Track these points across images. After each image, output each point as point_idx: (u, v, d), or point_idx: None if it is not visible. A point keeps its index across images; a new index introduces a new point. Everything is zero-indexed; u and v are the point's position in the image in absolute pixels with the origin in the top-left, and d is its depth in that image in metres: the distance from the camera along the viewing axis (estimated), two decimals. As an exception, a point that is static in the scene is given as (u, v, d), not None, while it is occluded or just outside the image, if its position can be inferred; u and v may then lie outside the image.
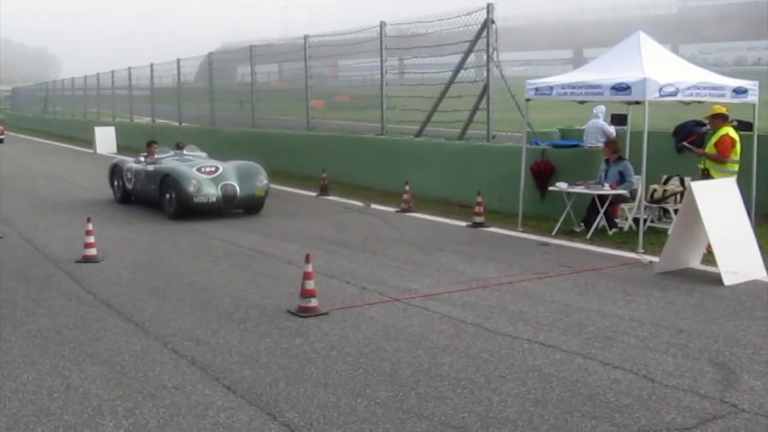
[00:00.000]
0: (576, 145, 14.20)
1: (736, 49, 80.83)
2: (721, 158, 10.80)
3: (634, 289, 8.56)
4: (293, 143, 21.20)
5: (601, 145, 13.78)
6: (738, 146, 10.87)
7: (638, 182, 11.57)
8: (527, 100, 12.64)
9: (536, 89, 12.35)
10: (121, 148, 30.93)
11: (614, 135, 14.85)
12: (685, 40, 78.52)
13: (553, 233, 11.81)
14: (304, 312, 7.67)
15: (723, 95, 11.43)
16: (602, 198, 11.62)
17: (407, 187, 14.72)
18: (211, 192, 13.71)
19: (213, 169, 14.26)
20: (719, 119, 11.08)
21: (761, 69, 70.60)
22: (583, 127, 16.61)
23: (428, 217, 13.84)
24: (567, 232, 11.88)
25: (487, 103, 15.67)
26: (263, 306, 8.07)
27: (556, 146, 14.02)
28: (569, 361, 6.31)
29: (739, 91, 11.58)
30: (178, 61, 30.30)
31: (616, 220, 12.01)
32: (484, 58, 15.87)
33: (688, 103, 11.90)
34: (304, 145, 20.73)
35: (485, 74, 15.83)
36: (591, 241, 11.28)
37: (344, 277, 9.28)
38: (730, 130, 10.94)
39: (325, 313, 7.66)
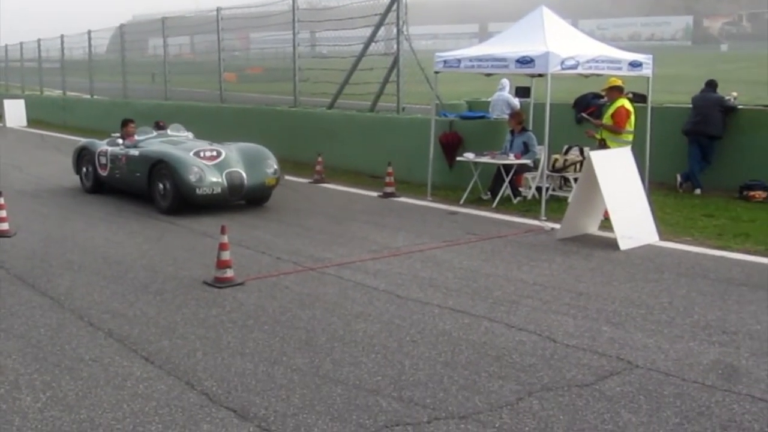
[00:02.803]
0: (482, 117, 14.36)
1: (631, 25, 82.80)
2: (617, 129, 11.08)
3: (537, 255, 8.77)
4: (207, 115, 20.86)
5: (506, 116, 13.97)
6: (633, 117, 11.16)
7: (541, 152, 11.80)
8: (436, 72, 12.72)
9: (445, 62, 12.44)
10: (32, 121, 30.03)
11: (519, 107, 15.06)
12: (583, 16, 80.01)
13: (461, 202, 11.97)
14: (220, 283, 7.62)
15: (620, 68, 11.71)
16: (507, 168, 11.83)
17: (320, 159, 14.69)
18: (215, 181, 11.30)
19: (214, 153, 11.76)
20: (615, 91, 11.35)
21: (654, 44, 72.60)
22: (489, 100, 16.81)
23: (340, 188, 13.86)
24: (474, 201, 12.06)
25: (397, 75, 15.69)
26: (179, 277, 7.99)
27: (463, 118, 14.15)
28: (477, 324, 6.44)
29: (635, 65, 11.88)
30: (89, 33, 29.44)
31: (520, 189, 12.23)
32: (394, 31, 15.89)
33: (587, 76, 12.16)
34: (219, 118, 20.43)
35: (395, 47, 15.85)
36: (497, 210, 11.47)
37: (259, 247, 9.24)
38: (625, 102, 11.22)
39: (240, 284, 7.63)
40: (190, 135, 13.38)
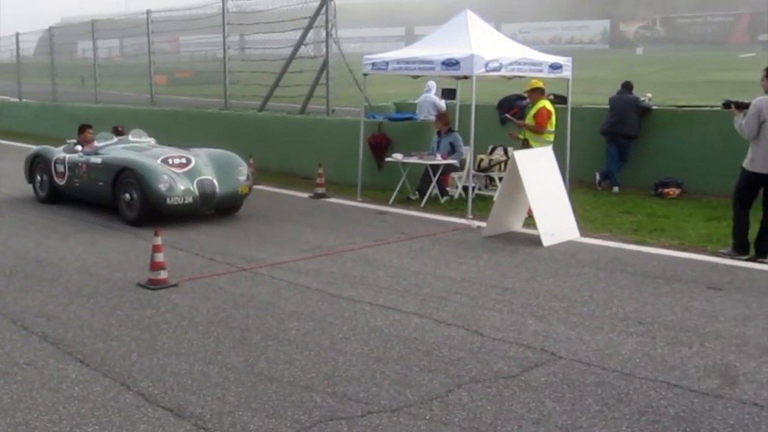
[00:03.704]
0: (410, 119, 14.47)
1: (552, 29, 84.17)
2: (538, 129, 11.29)
3: (465, 252, 8.89)
4: (138, 118, 20.43)
5: (433, 118, 14.08)
6: (554, 118, 11.39)
7: (467, 152, 11.96)
8: (365, 74, 12.78)
9: (373, 64, 12.51)
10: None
11: (445, 108, 15.20)
12: (506, 19, 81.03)
13: (390, 202, 12.06)
14: (154, 284, 7.55)
15: (541, 70, 11.94)
16: (434, 168, 11.95)
17: (251, 161, 14.59)
18: (186, 190, 10.45)
19: (183, 160, 10.88)
20: (537, 93, 11.57)
21: (573, 47, 73.88)
22: (416, 101, 16.94)
23: (272, 189, 13.80)
24: (403, 201, 12.16)
25: (326, 78, 15.71)
26: (113, 280, 7.89)
27: (391, 119, 14.25)
28: (407, 320, 6.52)
29: (555, 67, 12.13)
30: (17, 35, 28.74)
31: (448, 189, 12.37)
32: (323, 34, 15.91)
33: (510, 78, 12.38)
34: (150, 120, 20.03)
35: (324, 50, 15.87)
36: (425, 209, 11.59)
37: (192, 249, 9.18)
38: (546, 103, 11.45)
39: (174, 285, 7.58)
40: (152, 141, 12.45)
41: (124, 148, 11.64)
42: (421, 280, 7.74)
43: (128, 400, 5.03)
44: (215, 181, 10.76)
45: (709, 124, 12.39)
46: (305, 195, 13.02)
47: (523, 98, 13.23)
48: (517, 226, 9.97)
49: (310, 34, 16.60)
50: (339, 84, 15.74)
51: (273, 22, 17.54)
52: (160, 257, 7.61)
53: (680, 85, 35.72)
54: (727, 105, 9.01)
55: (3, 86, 31.26)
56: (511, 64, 11.45)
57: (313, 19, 16.16)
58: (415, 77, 12.89)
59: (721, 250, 8.62)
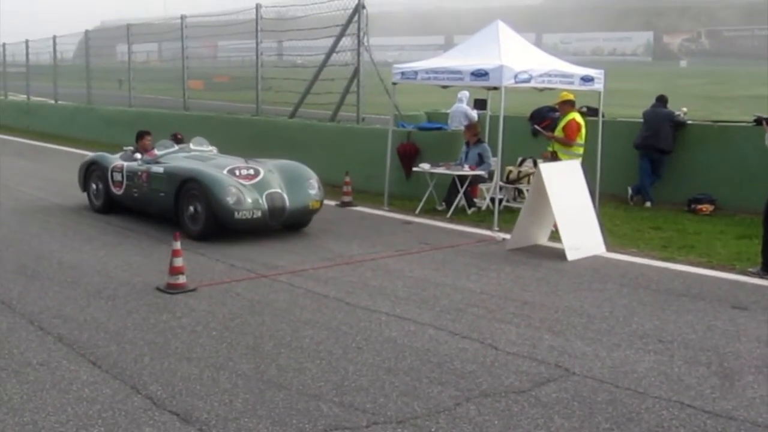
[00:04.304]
0: (440, 128, 14.49)
1: (594, 40, 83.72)
2: (567, 141, 11.26)
3: (487, 265, 8.88)
4: (170, 122, 20.73)
5: (463, 128, 14.09)
6: (583, 131, 11.35)
7: (495, 164, 11.95)
8: (394, 83, 12.84)
9: (402, 73, 12.57)
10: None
11: (476, 119, 15.20)
12: (547, 30, 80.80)
13: (417, 212, 12.08)
14: (172, 289, 7.64)
15: (572, 83, 11.89)
16: (462, 178, 11.95)
17: (347, 178, 14.59)
18: (255, 204, 9.94)
19: (251, 172, 10.38)
20: (567, 105, 11.54)
21: (615, 59, 73.44)
22: (448, 111, 16.97)
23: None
24: (429, 211, 12.17)
25: (357, 86, 15.80)
26: (133, 283, 8.00)
27: (421, 129, 14.29)
28: (422, 332, 6.52)
29: (587, 79, 12.07)
30: (54, 38, 29.26)
31: (475, 200, 12.36)
32: (356, 42, 16.01)
33: (541, 90, 12.35)
34: (181, 125, 20.25)
35: (356, 58, 15.97)
36: (451, 220, 11.59)
37: (214, 255, 9.26)
38: (576, 116, 11.41)
39: (193, 290, 7.66)
40: (214, 150, 11.91)
41: (186, 158, 11.13)
42: (439, 292, 7.74)
43: (136, 403, 5.10)
44: (285, 195, 10.22)
45: (744, 140, 12.23)
46: (332, 203, 13.04)
47: (556, 110, 13.17)
48: (543, 240, 9.94)
49: (343, 42, 16.72)
50: (370, 92, 15.81)
51: (307, 29, 17.70)
52: (179, 262, 7.70)
53: (723, 99, 35.33)
54: (759, 122, 8.94)
55: (41, 88, 31.80)
56: (541, 75, 11.43)
57: (345, 26, 16.26)
58: (445, 87, 12.92)
59: (750, 269, 8.52)
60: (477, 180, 12.23)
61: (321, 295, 7.59)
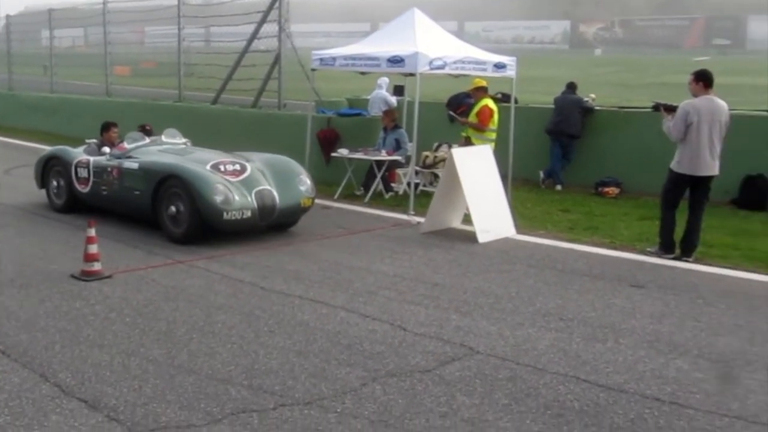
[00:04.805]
0: (359, 114, 14.49)
1: (514, 28, 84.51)
2: (480, 127, 11.37)
3: (401, 248, 8.94)
4: (92, 109, 20.32)
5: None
6: (496, 116, 11.47)
7: (413, 149, 12.00)
8: (313, 69, 12.77)
9: (321, 60, 12.49)
10: None
11: (395, 105, 15.24)
12: (469, 18, 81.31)
13: (335, 197, 12.07)
14: (87, 276, 7.49)
15: (485, 69, 11.98)
16: (379, 164, 11.98)
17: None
18: (244, 203, 8.96)
19: (237, 167, 9.41)
20: (480, 91, 11.65)
21: (534, 47, 74.38)
22: (368, 97, 16.96)
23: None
24: (348, 196, 12.18)
25: (279, 72, 15.69)
26: (48, 271, 7.81)
27: (341, 115, 14.27)
28: (334, 314, 6.54)
29: (499, 66, 12.18)
30: (-27, 23, 28.34)
31: (393, 185, 12.40)
32: (277, 28, 15.87)
33: (456, 76, 12.42)
34: (102, 111, 19.86)
35: (278, 44, 15.84)
36: (369, 204, 11.63)
37: (132, 242, 9.10)
38: (489, 102, 11.53)
39: (108, 277, 7.53)
40: (188, 142, 10.96)
41: (161, 151, 10.11)
42: (353, 275, 7.77)
43: (44, 391, 5.00)
44: (275, 192, 9.30)
45: (648, 125, 12.49)
46: (253, 188, 12.94)
47: (471, 97, 13.29)
48: (456, 223, 10.03)
49: (266, 28, 16.56)
50: (292, 79, 15.69)
51: (230, 15, 17.47)
52: (93, 249, 7.55)
53: (635, 86, 36.11)
54: (656, 108, 9.14)
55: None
56: (455, 62, 11.49)
57: (267, 13, 16.12)
58: (363, 74, 12.90)
59: (648, 249, 8.75)
60: (394, 165, 12.27)
61: (236, 280, 7.54)
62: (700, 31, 77.24)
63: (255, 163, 9.74)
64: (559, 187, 12.99)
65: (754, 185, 11.40)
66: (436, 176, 12.42)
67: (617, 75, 43.41)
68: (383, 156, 11.98)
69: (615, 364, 5.49)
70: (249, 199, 9.02)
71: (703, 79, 8.43)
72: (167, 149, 10.23)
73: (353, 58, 12.07)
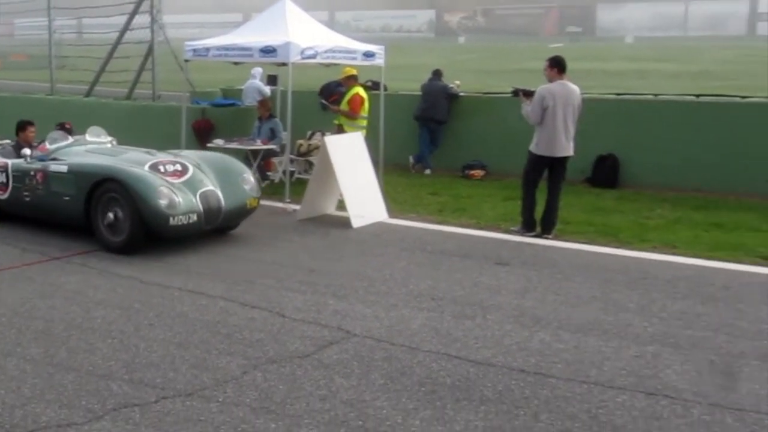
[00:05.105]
0: (233, 104, 14.27)
1: (383, 17, 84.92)
2: (352, 114, 11.40)
3: (279, 235, 8.88)
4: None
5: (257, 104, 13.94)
6: (367, 104, 11.52)
7: (287, 137, 11.91)
8: (186, 60, 12.48)
9: (194, 51, 12.20)
10: None
11: (269, 94, 15.07)
12: (340, 8, 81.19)
13: (212, 186, 11.83)
14: (-42, 276, 7.11)
15: (355, 58, 11.99)
16: (255, 153, 11.84)
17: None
18: (189, 206, 8.07)
19: (178, 167, 8.49)
20: (351, 80, 11.67)
21: (402, 35, 74.99)
22: (242, 87, 16.71)
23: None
24: (225, 185, 11.95)
25: (152, 64, 15.29)
26: None
27: (215, 105, 14.04)
28: (213, 304, 6.44)
29: (368, 55, 12.19)
30: None
31: (269, 174, 12.28)
32: (149, 20, 15.46)
33: (328, 65, 12.39)
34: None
35: (150, 36, 15.42)
36: (246, 193, 11.45)
37: (5, 239, 8.68)
38: (360, 90, 11.56)
39: (-20, 277, 7.17)
40: (114, 141, 9.89)
41: (89, 152, 9.04)
42: (232, 264, 7.67)
43: None
44: (219, 193, 8.44)
45: (509, 109, 12.74)
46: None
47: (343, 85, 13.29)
48: (331, 209, 10.04)
49: (138, 19, 16.10)
50: (166, 70, 15.34)
51: (102, 6, 16.90)
52: (-36, 249, 7.18)
53: (497, 72, 36.90)
54: (515, 93, 9.36)
55: None
56: (326, 51, 11.45)
57: (138, 4, 15.68)
58: (236, 64, 12.70)
59: (512, 228, 9.01)
60: (270, 154, 12.15)
61: (115, 275, 7.31)
62: (554, 20, 79.64)
63: (195, 162, 8.78)
64: (428, 172, 13.18)
65: (606, 164, 11.89)
66: (310, 164, 12.36)
67: (480, 62, 44.23)
68: (258, 145, 11.85)
69: (483, 339, 5.63)
70: (194, 201, 8.13)
71: (557, 65, 8.71)
72: (94, 149, 9.16)
73: (226, 48, 11.85)
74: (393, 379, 4.96)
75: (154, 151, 9.18)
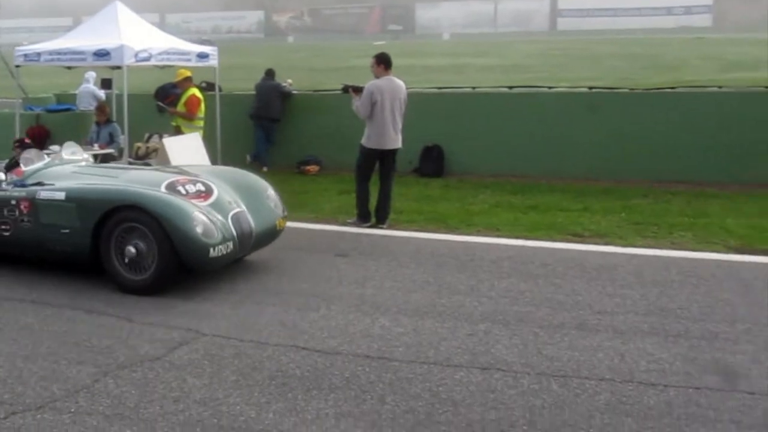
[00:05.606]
0: (68, 109, 13.54)
1: (212, 19, 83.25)
2: (189, 116, 11.11)
3: (122, 238, 8.47)
4: None
5: (92, 108, 13.33)
6: (203, 105, 11.26)
7: (125, 141, 11.45)
8: (17, 66, 11.79)
9: (25, 56, 11.57)
10: None
11: (104, 98, 14.42)
12: (170, 11, 78.79)
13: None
14: None
15: (189, 60, 11.73)
16: (93, 158, 11.25)
17: None
18: (226, 233, 6.54)
19: (201, 187, 6.89)
20: (186, 81, 11.39)
21: (232, 36, 73.73)
22: (76, 92, 15.88)
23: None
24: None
25: (-20, 70, 14.23)
26: None
27: (50, 111, 13.28)
28: (59, 314, 6.07)
29: (202, 56, 11.96)
30: None
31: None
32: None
33: (162, 67, 12.00)
34: None
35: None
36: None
37: None
38: (196, 91, 11.29)
39: None
40: (88, 157, 8.37)
41: (77, 173, 7.29)
42: (76, 272, 7.24)
43: None
44: (249, 215, 6.97)
45: (340, 106, 12.79)
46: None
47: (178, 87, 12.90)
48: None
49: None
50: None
51: None
52: None
53: (325, 70, 36.98)
54: (345, 89, 9.41)
55: None
56: (160, 54, 11.14)
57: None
58: (69, 68, 12.05)
59: (348, 220, 9.07)
60: (108, 158, 11.61)
61: (-50, 289, 6.75)
62: (377, 18, 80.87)
63: (214, 180, 7.14)
64: (265, 169, 12.97)
65: (432, 155, 12.21)
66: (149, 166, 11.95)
67: (309, 60, 44.22)
68: (96, 150, 11.29)
69: (329, 329, 5.63)
70: (229, 226, 6.63)
71: (383, 62, 8.82)
72: (82, 170, 7.49)
73: (58, 52, 11.28)
74: (244, 375, 4.87)
75: (159, 167, 7.83)
